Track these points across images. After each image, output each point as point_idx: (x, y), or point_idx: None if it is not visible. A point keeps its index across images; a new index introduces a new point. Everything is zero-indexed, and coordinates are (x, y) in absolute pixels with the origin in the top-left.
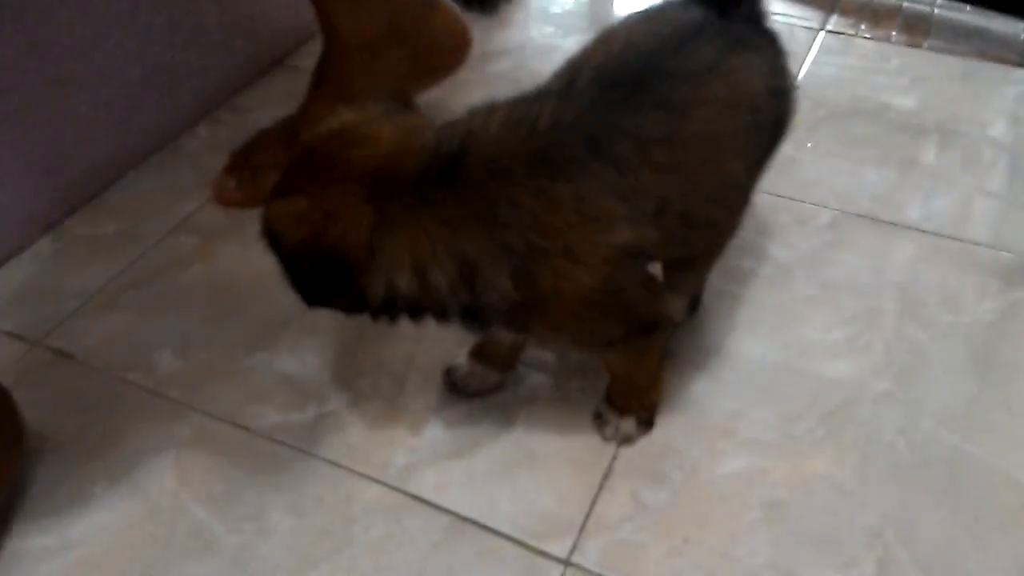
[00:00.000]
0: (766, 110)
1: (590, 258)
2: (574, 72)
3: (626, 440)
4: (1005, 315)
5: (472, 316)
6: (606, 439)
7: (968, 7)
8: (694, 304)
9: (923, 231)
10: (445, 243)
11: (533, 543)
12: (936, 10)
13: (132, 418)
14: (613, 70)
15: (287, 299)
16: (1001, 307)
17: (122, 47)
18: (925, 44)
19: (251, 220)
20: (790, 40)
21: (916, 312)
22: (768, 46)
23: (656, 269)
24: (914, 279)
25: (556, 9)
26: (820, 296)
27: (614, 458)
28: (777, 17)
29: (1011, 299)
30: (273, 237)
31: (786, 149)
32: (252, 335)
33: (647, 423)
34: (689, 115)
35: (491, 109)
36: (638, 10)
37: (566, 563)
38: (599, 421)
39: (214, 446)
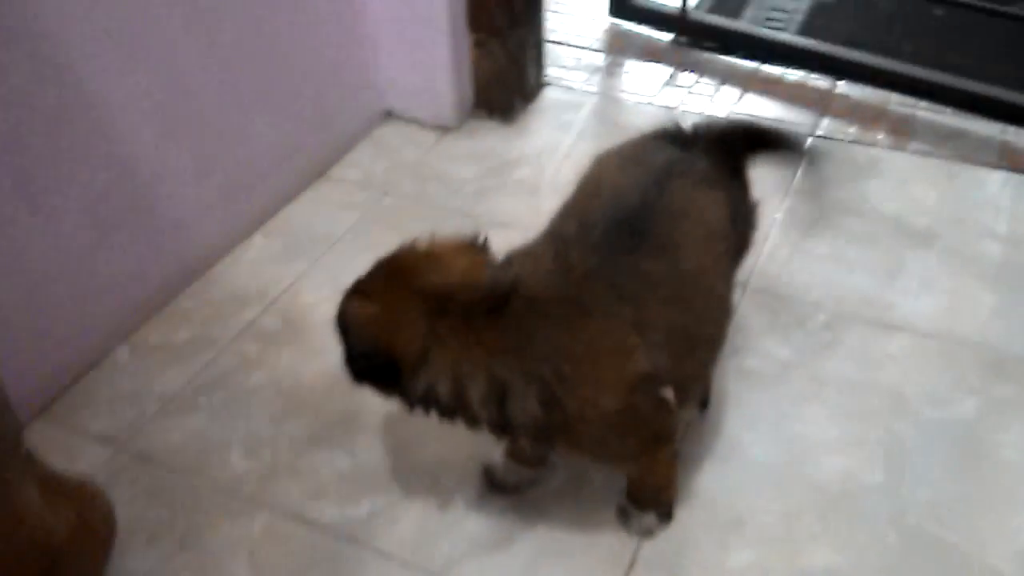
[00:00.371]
0: (732, 236)
1: (615, 385)
2: (581, 218)
3: (647, 533)
4: (986, 411)
5: (501, 429)
6: (630, 533)
7: (949, 110)
8: (704, 403)
9: (910, 331)
10: (483, 365)
11: None
12: (919, 112)
13: (209, 515)
14: (614, 220)
15: (341, 401)
16: (983, 403)
17: (187, 173)
18: (910, 147)
19: (307, 327)
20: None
21: (904, 409)
22: (727, 177)
23: (668, 391)
24: (903, 377)
25: (568, 117)
26: (817, 394)
27: (636, 551)
28: (771, 122)
29: (992, 396)
30: (343, 326)
31: (784, 251)
32: (312, 434)
33: (667, 516)
34: (679, 254)
35: (535, 257)
36: (617, 152)
37: None
38: (623, 516)
39: (282, 540)
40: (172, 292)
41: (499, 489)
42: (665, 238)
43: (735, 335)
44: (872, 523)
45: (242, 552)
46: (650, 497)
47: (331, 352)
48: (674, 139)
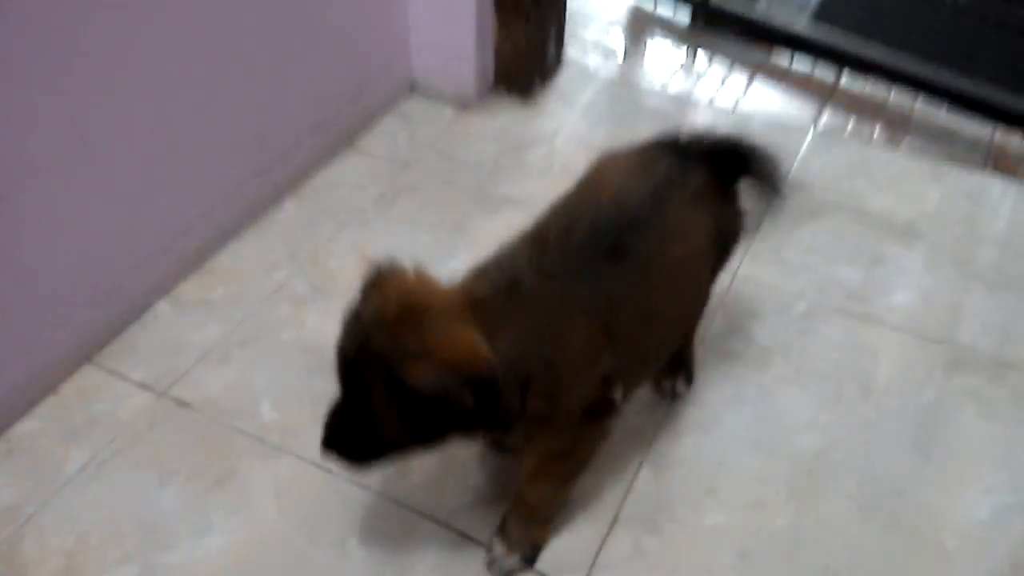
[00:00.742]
0: (714, 252)
1: (588, 380)
2: (574, 219)
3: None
4: (945, 401)
5: (504, 424)
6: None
7: (944, 108)
8: (689, 378)
9: (885, 324)
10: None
11: (552, 575)
12: (916, 109)
13: (240, 458)
14: (605, 228)
15: None
16: (943, 393)
17: (224, 138)
18: (904, 144)
19: (333, 290)
20: (780, 136)
21: (871, 395)
22: (720, 192)
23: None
24: (873, 365)
25: (584, 98)
26: (793, 378)
27: (619, 509)
28: (773, 115)
29: (949, 386)
30: (433, 392)
31: (774, 241)
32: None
33: (532, 558)
34: (657, 273)
35: (529, 260)
36: (619, 156)
37: None
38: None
39: (304, 484)
40: (210, 251)
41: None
42: (648, 256)
43: (722, 317)
44: (835, 495)
45: (269, 492)
46: (525, 535)
47: None
48: (675, 149)
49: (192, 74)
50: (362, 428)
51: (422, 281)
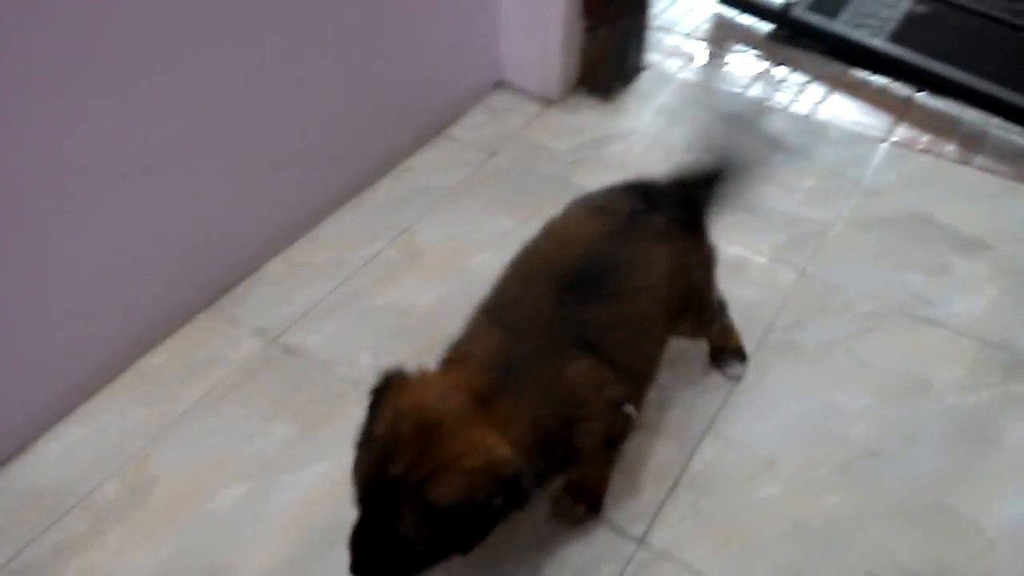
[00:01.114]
0: (680, 280)
1: (600, 411)
2: (558, 274)
3: (578, 522)
4: (998, 404)
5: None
6: (561, 523)
7: (1018, 130)
8: (741, 358)
9: (946, 327)
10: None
11: (618, 525)
12: (991, 129)
13: (339, 401)
14: (582, 277)
15: (444, 326)
16: (997, 397)
17: (333, 128)
18: (975, 161)
19: (421, 262)
20: (855, 146)
21: (928, 393)
22: (683, 230)
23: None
24: (931, 367)
25: (663, 100)
26: (853, 372)
27: (680, 475)
28: (848, 125)
29: (1006, 391)
30: (460, 507)
31: (843, 243)
32: (421, 348)
33: (596, 509)
34: (633, 300)
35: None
36: (586, 201)
37: (639, 541)
38: (557, 507)
39: None
40: (316, 221)
41: None
42: (620, 290)
43: (788, 312)
44: (884, 482)
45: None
46: (586, 492)
47: (438, 284)
48: (640, 193)
49: (310, 71)
50: (392, 550)
51: (429, 385)
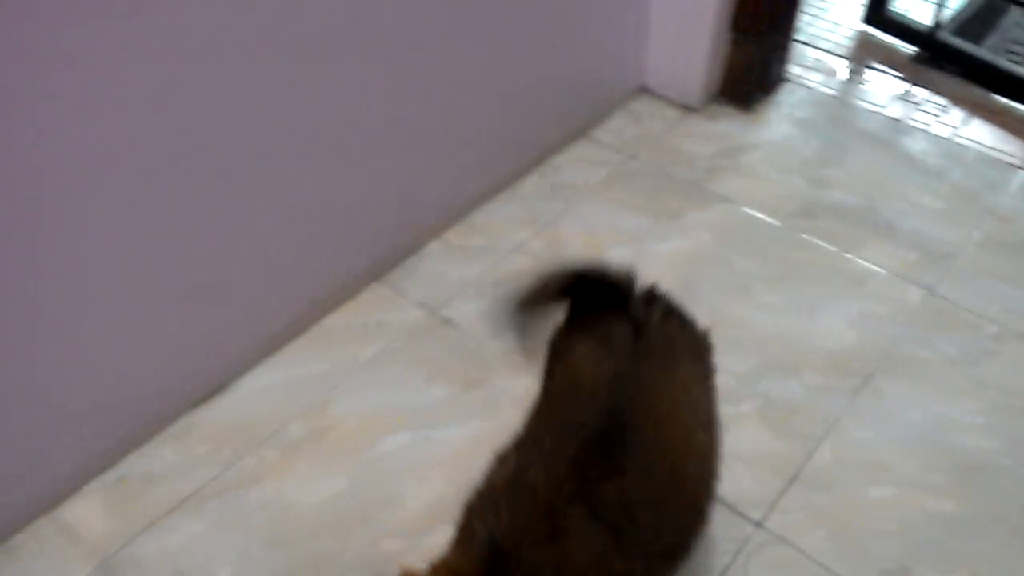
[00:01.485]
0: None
1: None
2: (559, 430)
3: None
4: None
5: None
6: None
7: None
8: None
9: None
10: None
11: (739, 509)
12: None
13: (493, 370)
14: (593, 435)
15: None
16: None
17: (487, 126)
18: None
19: (563, 251)
20: (992, 171)
21: None
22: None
23: None
24: None
25: (801, 113)
26: (972, 389)
27: (800, 469)
28: (987, 150)
29: None
30: None
31: (973, 267)
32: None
33: None
34: (655, 462)
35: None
36: (584, 337)
37: (758, 525)
38: None
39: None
40: (470, 209)
41: None
42: (640, 448)
43: (915, 330)
44: (995, 494)
45: (512, 399)
46: None
47: None
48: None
49: (469, 74)
50: None
51: None
